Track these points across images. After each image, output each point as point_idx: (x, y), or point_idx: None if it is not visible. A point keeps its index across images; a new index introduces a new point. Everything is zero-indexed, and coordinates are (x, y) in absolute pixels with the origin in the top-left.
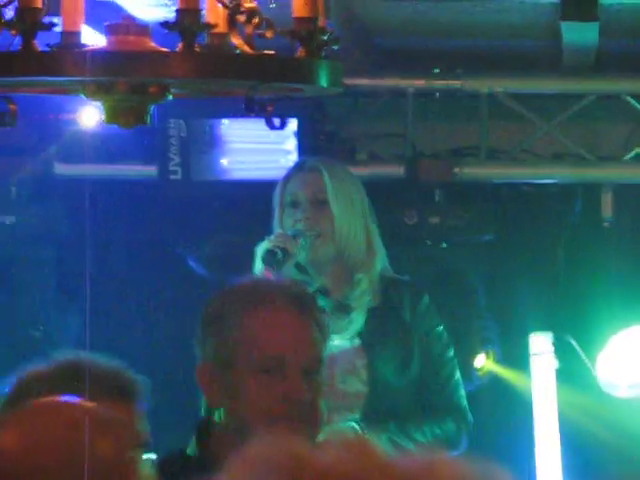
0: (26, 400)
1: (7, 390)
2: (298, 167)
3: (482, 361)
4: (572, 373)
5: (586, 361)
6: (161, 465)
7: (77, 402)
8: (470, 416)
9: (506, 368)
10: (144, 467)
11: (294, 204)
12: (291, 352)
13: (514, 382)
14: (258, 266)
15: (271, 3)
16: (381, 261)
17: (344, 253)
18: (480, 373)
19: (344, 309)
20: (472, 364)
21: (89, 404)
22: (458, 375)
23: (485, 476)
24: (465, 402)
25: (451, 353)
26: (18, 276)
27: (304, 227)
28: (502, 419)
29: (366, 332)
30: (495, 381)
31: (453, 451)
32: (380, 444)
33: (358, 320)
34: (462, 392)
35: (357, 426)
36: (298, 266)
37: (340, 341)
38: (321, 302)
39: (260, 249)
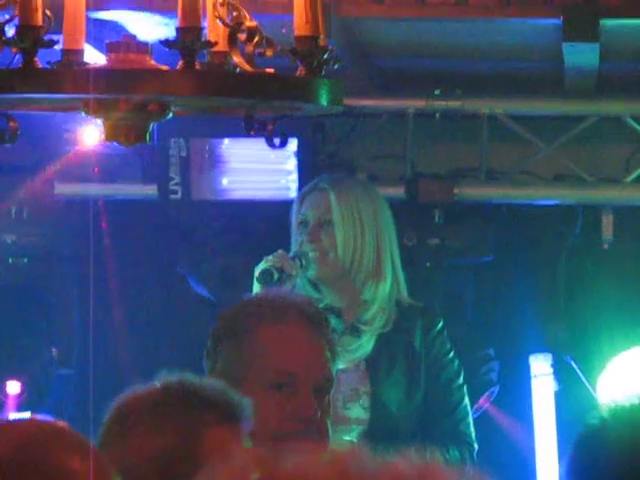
0: (127, 426)
1: (105, 417)
2: (311, 187)
3: (484, 403)
4: (572, 395)
5: (586, 383)
6: None
7: (48, 421)
8: (476, 444)
9: (503, 412)
10: None
11: (304, 224)
12: (304, 370)
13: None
14: (255, 286)
15: (282, 28)
16: (391, 285)
17: (350, 273)
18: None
19: (355, 332)
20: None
21: (60, 423)
22: (467, 402)
23: None
24: (472, 430)
25: (461, 380)
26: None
27: (309, 247)
28: (504, 443)
29: (373, 358)
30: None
31: None
32: None
33: (367, 345)
34: (470, 420)
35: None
36: (312, 283)
37: (346, 364)
38: (333, 322)
39: (257, 269)
